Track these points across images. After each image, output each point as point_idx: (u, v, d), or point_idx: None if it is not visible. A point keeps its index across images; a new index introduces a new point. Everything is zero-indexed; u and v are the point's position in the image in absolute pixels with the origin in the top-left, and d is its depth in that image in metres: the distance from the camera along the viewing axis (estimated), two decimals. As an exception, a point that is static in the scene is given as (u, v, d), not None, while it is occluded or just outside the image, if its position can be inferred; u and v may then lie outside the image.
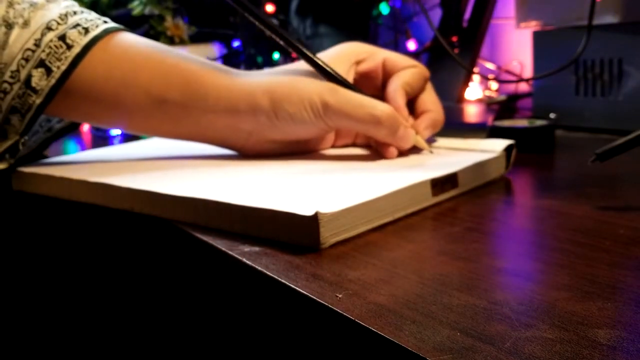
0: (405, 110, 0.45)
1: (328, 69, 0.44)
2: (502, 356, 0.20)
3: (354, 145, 0.50)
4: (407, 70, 0.47)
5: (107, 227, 0.46)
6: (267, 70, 0.47)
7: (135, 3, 0.93)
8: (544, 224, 0.35)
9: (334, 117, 0.43)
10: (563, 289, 0.25)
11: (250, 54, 1.00)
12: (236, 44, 1.02)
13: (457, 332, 0.22)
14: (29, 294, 0.55)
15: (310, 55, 0.44)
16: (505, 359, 0.20)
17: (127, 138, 0.65)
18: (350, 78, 0.47)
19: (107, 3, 0.92)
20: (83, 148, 0.65)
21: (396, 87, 0.46)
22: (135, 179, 0.41)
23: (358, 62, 0.47)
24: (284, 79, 0.45)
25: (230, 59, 0.99)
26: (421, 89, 0.48)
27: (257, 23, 0.44)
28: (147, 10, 0.92)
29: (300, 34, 1.07)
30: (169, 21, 0.93)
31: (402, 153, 0.46)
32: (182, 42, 0.95)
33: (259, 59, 0.99)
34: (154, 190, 0.38)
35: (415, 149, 0.46)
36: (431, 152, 0.46)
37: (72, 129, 0.51)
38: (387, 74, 0.48)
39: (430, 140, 0.47)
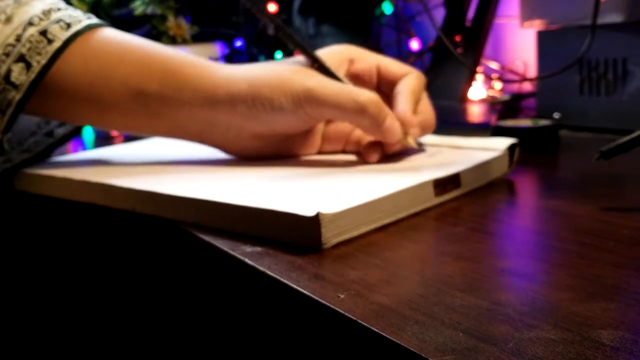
0: (412, 118, 0.44)
1: (317, 57, 0.43)
2: (505, 357, 0.20)
3: (343, 152, 0.49)
4: (410, 77, 0.46)
5: (109, 228, 0.46)
6: (250, 64, 0.46)
7: (138, 2, 0.93)
8: (547, 225, 0.35)
9: (315, 105, 0.42)
10: (566, 290, 0.25)
11: (252, 54, 1.00)
12: (238, 43, 1.02)
13: (459, 333, 0.22)
14: (32, 295, 0.56)
15: (300, 41, 0.44)
16: (508, 359, 0.20)
17: (128, 138, 0.65)
18: (341, 75, 0.46)
19: (110, 2, 0.92)
20: (85, 148, 0.65)
21: (405, 97, 0.44)
22: (137, 180, 0.41)
23: (351, 62, 0.47)
24: (265, 67, 0.44)
25: (233, 58, 0.99)
26: (420, 96, 0.47)
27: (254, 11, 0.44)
28: (149, 10, 0.92)
29: (302, 33, 1.07)
30: (171, 21, 0.93)
31: (394, 155, 0.45)
32: (184, 42, 0.95)
33: (261, 58, 0.99)
34: (156, 191, 0.38)
35: (405, 152, 0.45)
36: (424, 150, 0.45)
37: (75, 134, 0.50)
38: (381, 79, 0.47)
39: (419, 143, 0.46)
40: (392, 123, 0.43)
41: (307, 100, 0.42)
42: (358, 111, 0.42)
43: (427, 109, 0.47)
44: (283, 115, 0.43)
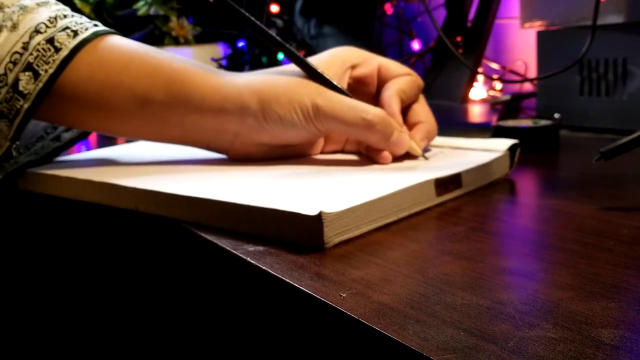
0: (399, 117, 0.45)
1: (318, 71, 0.43)
2: (506, 355, 0.21)
3: (342, 152, 0.49)
4: (402, 77, 0.46)
5: (112, 227, 0.46)
6: (256, 72, 0.46)
7: (141, 3, 0.93)
8: (547, 224, 0.35)
9: (325, 121, 0.42)
10: (567, 289, 0.25)
11: (254, 54, 1.00)
12: (241, 44, 1.03)
13: (460, 332, 0.22)
14: (36, 294, 0.56)
15: (301, 57, 0.43)
16: (509, 358, 0.20)
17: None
18: (344, 83, 0.46)
19: (113, 3, 0.92)
20: (88, 148, 0.65)
21: (391, 94, 0.45)
22: (140, 179, 0.41)
23: (353, 67, 0.47)
24: (273, 80, 0.44)
25: (235, 59, 0.99)
26: (415, 98, 0.47)
27: (246, 25, 0.44)
28: (152, 11, 0.92)
29: (304, 34, 1.07)
30: (173, 22, 0.94)
31: (396, 159, 0.45)
32: (186, 43, 0.95)
33: (264, 59, 1.00)
34: (159, 190, 0.39)
35: (408, 156, 0.45)
36: (426, 158, 0.45)
37: (81, 138, 0.51)
38: (381, 81, 0.47)
39: (424, 151, 0.46)
40: (399, 137, 0.43)
41: (316, 117, 0.42)
42: (366, 128, 0.42)
43: (428, 117, 0.47)
44: (293, 130, 0.43)
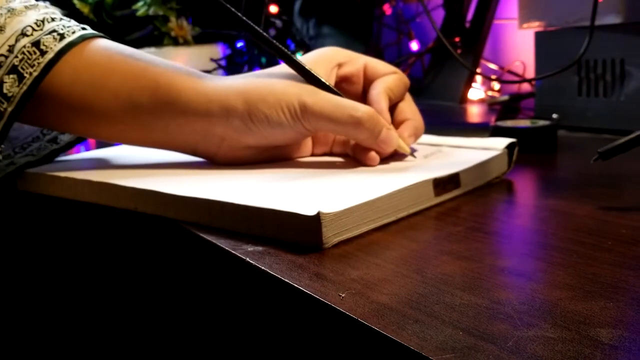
0: (387, 114, 0.44)
1: (309, 70, 0.43)
2: (505, 355, 0.21)
3: (330, 154, 0.49)
4: (389, 76, 0.46)
5: (111, 227, 0.46)
6: (243, 75, 0.46)
7: (140, 4, 0.93)
8: (546, 224, 0.35)
9: (312, 119, 0.42)
10: (565, 289, 0.26)
11: (253, 55, 1.00)
12: (240, 44, 1.03)
13: (459, 332, 0.22)
14: (35, 294, 0.56)
15: (291, 55, 0.43)
16: (508, 358, 0.20)
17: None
18: (331, 81, 0.46)
19: (112, 3, 0.92)
20: (87, 148, 0.65)
21: (379, 91, 0.45)
22: (139, 179, 0.41)
23: (339, 66, 0.47)
24: (259, 80, 0.44)
25: (234, 60, 1.00)
26: (401, 97, 0.47)
27: (237, 23, 0.43)
28: (151, 11, 0.93)
29: (303, 34, 1.08)
30: (173, 22, 0.94)
31: (384, 159, 0.45)
32: (186, 43, 0.95)
33: (263, 60, 1.00)
34: (159, 190, 0.39)
35: (396, 156, 0.45)
36: (414, 157, 0.45)
37: (80, 140, 0.50)
38: (367, 80, 0.47)
39: (411, 149, 0.46)
40: (387, 135, 0.43)
41: (304, 116, 0.42)
42: (355, 125, 0.42)
43: (415, 115, 0.47)
44: (280, 130, 0.42)
